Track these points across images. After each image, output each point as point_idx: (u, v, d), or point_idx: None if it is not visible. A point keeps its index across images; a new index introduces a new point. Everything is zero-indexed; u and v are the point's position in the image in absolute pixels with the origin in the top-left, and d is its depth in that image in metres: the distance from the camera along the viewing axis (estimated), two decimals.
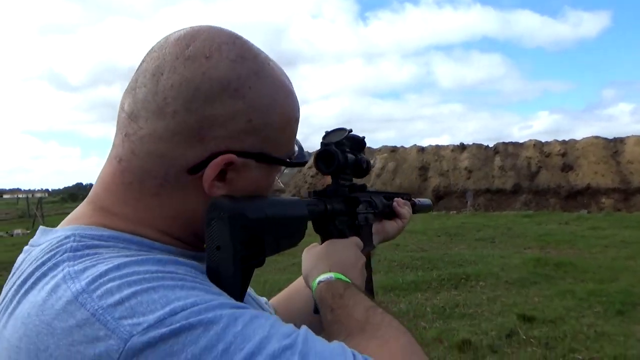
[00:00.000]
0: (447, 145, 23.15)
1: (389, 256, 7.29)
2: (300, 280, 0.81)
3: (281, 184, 0.67)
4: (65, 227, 0.54)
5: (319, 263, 0.67)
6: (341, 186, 0.77)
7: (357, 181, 0.84)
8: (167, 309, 0.41)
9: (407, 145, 24.06)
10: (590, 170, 19.57)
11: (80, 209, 0.57)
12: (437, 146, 23.36)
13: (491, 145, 22.40)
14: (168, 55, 0.52)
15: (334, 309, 0.57)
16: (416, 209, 1.12)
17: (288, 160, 0.59)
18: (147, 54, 0.55)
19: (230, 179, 0.53)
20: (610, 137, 20.41)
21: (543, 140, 21.46)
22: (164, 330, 0.40)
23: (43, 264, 0.48)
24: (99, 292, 0.42)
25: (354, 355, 0.46)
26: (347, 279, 0.62)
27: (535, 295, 5.02)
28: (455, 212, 18.57)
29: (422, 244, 9.26)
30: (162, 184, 0.53)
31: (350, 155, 0.77)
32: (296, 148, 0.62)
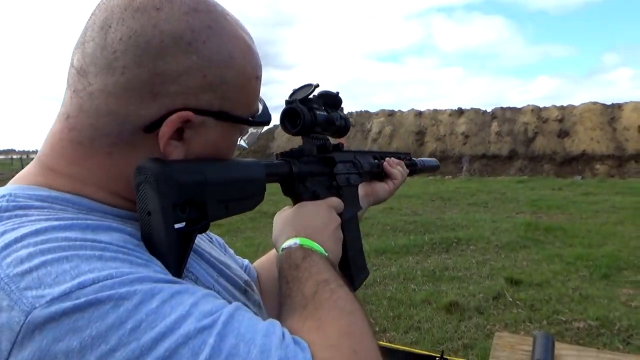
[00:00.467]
0: (445, 110, 23.00)
1: (382, 220, 7.37)
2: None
3: (244, 144, 0.65)
4: (6, 186, 0.52)
5: (286, 227, 0.64)
6: (311, 146, 0.73)
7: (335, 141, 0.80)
8: (76, 281, 0.39)
9: (404, 110, 23.86)
10: (586, 137, 19.57)
11: (27, 168, 0.55)
12: (435, 110, 23.19)
13: (489, 110, 22.26)
14: (116, 7, 0.49)
15: (288, 281, 0.55)
16: (418, 168, 1.08)
17: (250, 119, 0.57)
18: (97, 6, 0.52)
19: (187, 138, 0.52)
20: (609, 102, 20.30)
21: (541, 106, 21.32)
22: (67, 304, 0.38)
23: None
24: (8, 259, 0.41)
25: (283, 335, 0.43)
26: (313, 244, 0.60)
27: (523, 259, 5.11)
28: (450, 177, 18.65)
29: (416, 208, 9.34)
30: (115, 143, 0.51)
31: (320, 113, 0.72)
32: (260, 107, 0.60)
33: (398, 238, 6.18)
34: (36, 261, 0.40)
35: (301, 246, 0.59)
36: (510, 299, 3.85)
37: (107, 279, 0.40)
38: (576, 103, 20.65)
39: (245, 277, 0.72)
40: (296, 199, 0.70)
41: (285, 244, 0.61)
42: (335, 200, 0.73)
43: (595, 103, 20.29)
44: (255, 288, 0.72)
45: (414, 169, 1.10)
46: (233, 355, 0.39)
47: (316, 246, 0.60)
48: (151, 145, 0.51)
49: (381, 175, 0.94)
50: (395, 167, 0.95)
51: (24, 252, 0.41)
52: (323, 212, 0.68)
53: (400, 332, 3.33)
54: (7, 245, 0.42)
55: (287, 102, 0.70)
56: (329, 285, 0.52)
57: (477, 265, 4.91)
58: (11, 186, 0.52)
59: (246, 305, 0.55)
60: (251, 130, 0.63)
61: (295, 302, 0.51)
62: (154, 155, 0.50)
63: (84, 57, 0.50)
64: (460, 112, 22.54)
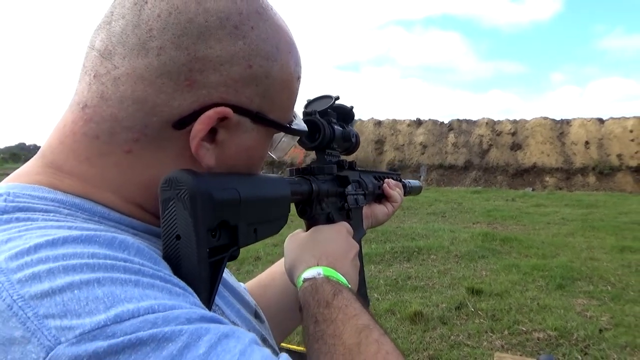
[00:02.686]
0: (404, 120, 23.40)
1: None
2: (277, 265, 0.72)
3: (272, 155, 0.57)
4: (1, 185, 0.43)
5: (304, 254, 0.58)
6: (328, 163, 0.67)
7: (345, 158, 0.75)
8: (112, 313, 0.31)
9: (364, 119, 24.14)
10: (537, 150, 20.38)
11: (28, 165, 0.46)
12: (394, 120, 23.57)
13: (446, 121, 22.83)
14: None
15: (318, 320, 0.48)
16: (407, 191, 1.04)
17: (288, 126, 0.50)
18: None
19: (221, 140, 0.44)
20: (558, 118, 21.24)
21: (495, 119, 22.05)
22: (102, 344, 0.30)
23: None
24: (21, 274, 0.32)
25: None
26: (338, 275, 0.54)
27: (482, 268, 5.21)
28: None
29: None
30: (137, 139, 0.42)
31: (337, 127, 0.67)
32: (294, 116, 0.53)
33: None
34: (59, 281, 0.32)
35: (327, 278, 0.53)
36: (472, 309, 3.89)
37: (149, 313, 0.32)
38: (528, 117, 21.48)
39: (253, 300, 0.64)
40: (311, 221, 0.64)
41: (307, 274, 0.54)
42: (348, 225, 0.67)
43: (545, 118, 21.17)
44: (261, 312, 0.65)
45: (404, 191, 1.05)
46: None
47: (341, 278, 0.54)
48: (179, 145, 0.43)
49: (381, 196, 0.89)
50: (395, 189, 0.90)
51: (42, 268, 0.32)
52: (343, 238, 0.62)
53: None
54: (17, 256, 0.33)
55: (305, 113, 0.64)
56: (372, 334, 0.45)
57: (438, 274, 4.96)
58: (7, 184, 0.42)
59: (259, 331, 0.52)
60: (284, 139, 0.55)
61: (335, 352, 0.44)
62: (182, 158, 0.43)
63: (109, 37, 0.42)
64: (418, 122, 22.99)
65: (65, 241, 0.35)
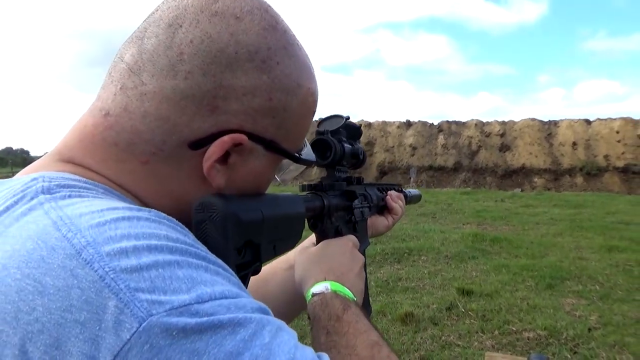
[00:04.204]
0: (394, 122, 23.50)
1: None
2: (279, 261, 0.74)
3: (278, 179, 0.60)
4: (22, 175, 0.43)
5: (313, 268, 0.61)
6: (338, 179, 0.72)
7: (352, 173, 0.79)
8: (194, 294, 0.34)
9: (355, 120, 24.19)
10: (525, 151, 20.57)
11: (43, 160, 0.47)
12: (384, 122, 23.66)
13: (436, 123, 22.96)
14: (190, 6, 0.44)
15: (330, 332, 0.51)
16: (407, 200, 1.07)
17: (297, 155, 0.52)
18: (163, 2, 0.47)
19: (232, 163, 0.46)
20: (545, 119, 21.48)
21: (484, 120, 22.23)
22: (188, 320, 0.32)
23: (7, 209, 0.38)
24: (108, 248, 0.33)
25: None
26: (345, 290, 0.57)
27: (473, 269, 5.24)
28: None
29: None
30: (154, 152, 0.44)
31: (347, 145, 0.71)
32: (304, 145, 0.56)
33: None
34: (146, 259, 0.34)
35: (336, 293, 0.56)
36: (463, 310, 3.91)
37: (223, 298, 0.35)
38: (516, 119, 21.68)
39: None
40: (322, 234, 0.68)
41: (316, 288, 0.57)
42: (355, 238, 0.70)
43: (533, 119, 21.38)
44: None
45: (405, 201, 1.08)
46: None
47: (348, 292, 0.57)
48: (193, 164, 0.45)
49: (383, 208, 0.92)
50: (397, 202, 0.93)
51: (127, 245, 0.34)
52: (349, 252, 0.66)
53: None
54: (100, 229, 0.35)
55: (317, 132, 0.69)
56: (383, 350, 0.49)
57: (429, 275, 4.97)
58: (30, 175, 0.42)
59: None
60: (291, 167, 0.57)
61: None
62: (194, 176, 0.45)
63: (140, 54, 0.44)
64: (408, 124, 23.10)
65: (139, 219, 0.37)
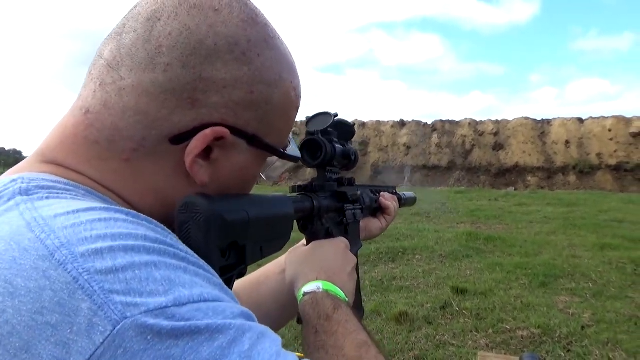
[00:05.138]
0: (388, 121, 23.54)
1: None
2: (272, 265, 0.73)
3: (263, 176, 0.58)
4: (5, 177, 0.42)
5: (304, 268, 0.61)
6: (329, 180, 0.70)
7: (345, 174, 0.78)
8: (171, 296, 0.33)
9: (349, 120, 24.23)
10: (519, 150, 20.68)
11: (25, 162, 0.46)
12: (378, 122, 23.69)
13: (429, 122, 23.03)
14: (169, 0, 0.44)
15: (319, 331, 0.51)
16: (402, 202, 1.06)
17: (282, 151, 0.51)
18: None
19: (215, 158, 0.45)
20: (538, 118, 21.59)
21: (478, 120, 22.32)
22: (165, 324, 0.31)
23: None
24: (83, 249, 0.33)
25: None
26: (336, 289, 0.57)
27: (467, 268, 5.25)
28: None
29: None
30: (135, 149, 0.43)
31: (338, 146, 0.70)
32: (290, 141, 0.55)
33: None
34: (121, 260, 0.33)
35: (327, 292, 0.56)
36: (457, 309, 3.91)
37: (202, 301, 0.34)
38: (509, 118, 21.77)
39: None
40: (312, 236, 0.67)
41: (307, 288, 0.57)
42: (346, 240, 0.70)
43: (527, 118, 21.49)
44: None
45: (400, 203, 1.08)
46: None
47: (339, 292, 0.57)
48: (174, 159, 0.44)
49: (377, 210, 0.92)
50: (391, 202, 0.92)
51: (103, 245, 0.33)
52: (341, 253, 0.65)
53: None
54: (74, 230, 0.34)
55: (308, 132, 0.68)
56: (371, 350, 0.49)
57: (423, 274, 4.98)
58: (11, 176, 0.42)
59: None
60: (277, 164, 0.57)
61: None
62: (178, 173, 0.44)
63: (119, 49, 0.43)
64: (402, 123, 23.16)
65: (117, 221, 0.36)
